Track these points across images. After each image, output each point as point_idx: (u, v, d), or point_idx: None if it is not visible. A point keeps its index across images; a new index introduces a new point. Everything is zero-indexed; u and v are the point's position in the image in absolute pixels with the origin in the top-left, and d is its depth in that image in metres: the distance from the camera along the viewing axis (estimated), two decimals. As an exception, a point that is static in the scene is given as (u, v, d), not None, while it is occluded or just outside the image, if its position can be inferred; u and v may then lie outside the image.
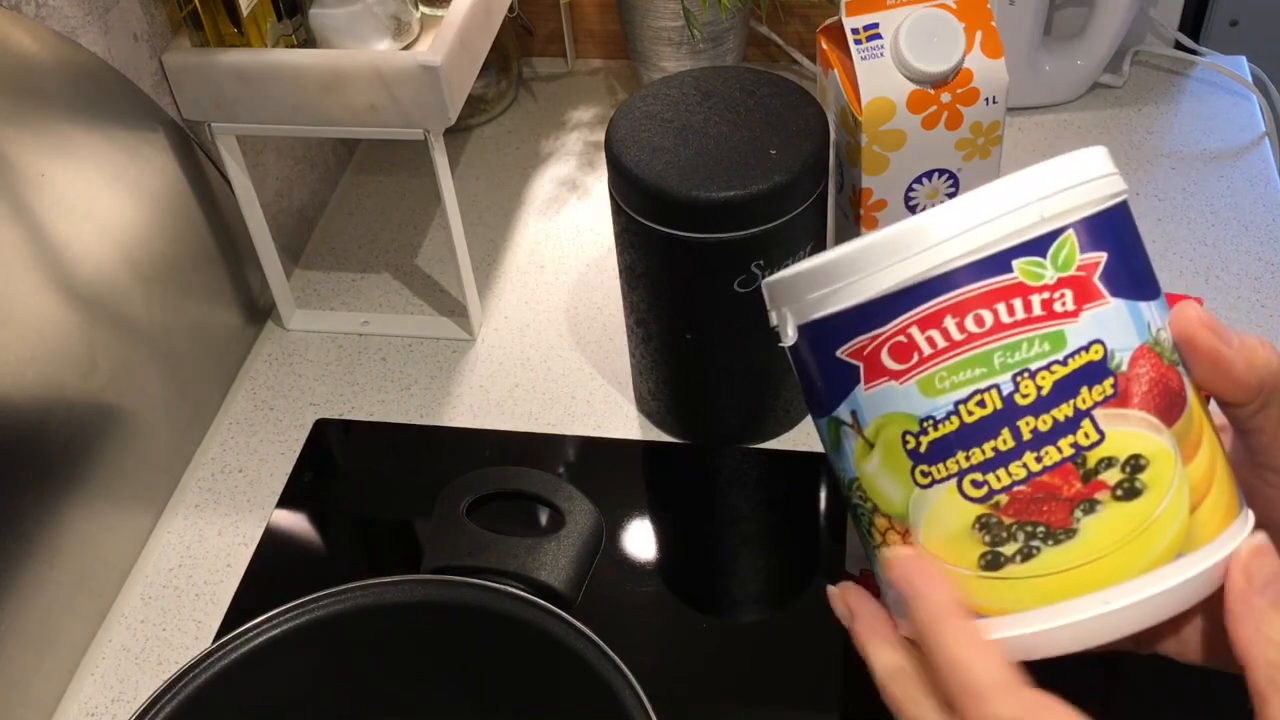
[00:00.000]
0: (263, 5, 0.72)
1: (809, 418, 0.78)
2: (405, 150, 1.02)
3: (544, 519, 0.69)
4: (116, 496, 0.71)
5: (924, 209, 0.39)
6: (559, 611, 0.55)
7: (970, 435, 0.35)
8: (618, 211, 0.68)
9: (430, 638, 0.57)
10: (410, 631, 0.57)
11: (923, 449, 0.35)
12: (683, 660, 0.66)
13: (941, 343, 0.34)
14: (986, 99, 0.71)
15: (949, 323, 0.34)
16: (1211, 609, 0.37)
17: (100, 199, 0.69)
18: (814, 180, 0.66)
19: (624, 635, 0.56)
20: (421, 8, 0.79)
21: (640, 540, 0.72)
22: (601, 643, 0.53)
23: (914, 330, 0.35)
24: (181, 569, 0.73)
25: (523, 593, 0.56)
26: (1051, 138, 0.97)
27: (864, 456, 0.37)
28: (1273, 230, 0.87)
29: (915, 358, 0.35)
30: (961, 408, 0.35)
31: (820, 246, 0.70)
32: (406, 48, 0.76)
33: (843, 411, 0.37)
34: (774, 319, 0.38)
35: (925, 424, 0.35)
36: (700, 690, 0.65)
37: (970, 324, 0.34)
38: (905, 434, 0.35)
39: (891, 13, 0.70)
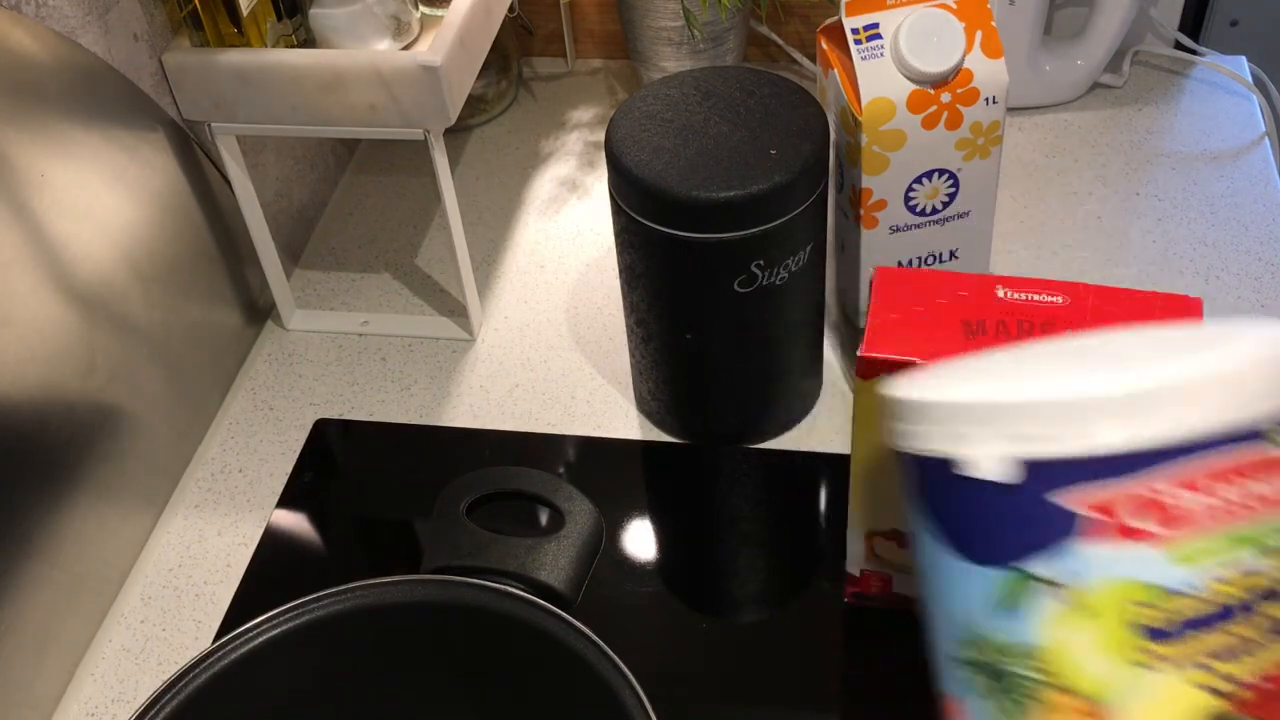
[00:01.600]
0: (263, 5, 0.72)
1: (809, 417, 0.78)
2: (405, 150, 1.02)
3: (544, 519, 0.69)
4: (116, 496, 0.71)
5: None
6: (559, 611, 0.55)
7: (1217, 616, 0.30)
8: (618, 211, 0.68)
9: (430, 638, 0.57)
10: (410, 631, 0.57)
11: (1156, 624, 0.30)
12: (683, 660, 0.66)
13: (1197, 508, 0.30)
14: (986, 99, 0.71)
15: (1205, 487, 0.30)
16: None
17: (100, 199, 0.69)
18: (814, 180, 0.66)
19: (624, 635, 0.56)
20: (421, 8, 0.79)
21: (640, 540, 0.72)
22: (601, 643, 0.53)
23: (1166, 489, 0.30)
24: (181, 569, 0.73)
25: (523, 593, 0.56)
26: (1052, 138, 0.97)
27: (1065, 622, 0.32)
28: (1273, 230, 0.87)
29: (1162, 520, 0.30)
30: (1214, 584, 0.30)
31: (820, 246, 0.70)
32: (406, 48, 0.76)
33: (1037, 565, 0.32)
34: (957, 442, 0.33)
35: (1165, 596, 0.30)
36: (700, 690, 0.65)
37: (1232, 494, 0.30)
38: (1136, 604, 0.31)
39: (891, 13, 0.70)
